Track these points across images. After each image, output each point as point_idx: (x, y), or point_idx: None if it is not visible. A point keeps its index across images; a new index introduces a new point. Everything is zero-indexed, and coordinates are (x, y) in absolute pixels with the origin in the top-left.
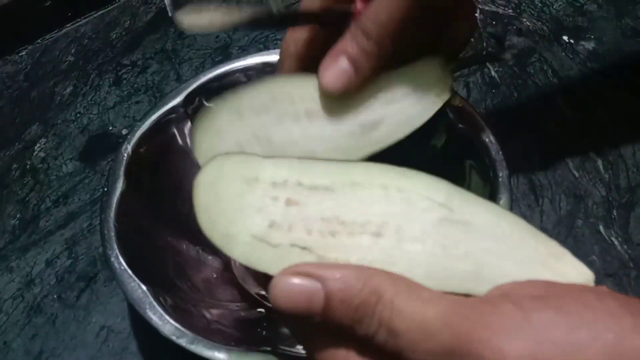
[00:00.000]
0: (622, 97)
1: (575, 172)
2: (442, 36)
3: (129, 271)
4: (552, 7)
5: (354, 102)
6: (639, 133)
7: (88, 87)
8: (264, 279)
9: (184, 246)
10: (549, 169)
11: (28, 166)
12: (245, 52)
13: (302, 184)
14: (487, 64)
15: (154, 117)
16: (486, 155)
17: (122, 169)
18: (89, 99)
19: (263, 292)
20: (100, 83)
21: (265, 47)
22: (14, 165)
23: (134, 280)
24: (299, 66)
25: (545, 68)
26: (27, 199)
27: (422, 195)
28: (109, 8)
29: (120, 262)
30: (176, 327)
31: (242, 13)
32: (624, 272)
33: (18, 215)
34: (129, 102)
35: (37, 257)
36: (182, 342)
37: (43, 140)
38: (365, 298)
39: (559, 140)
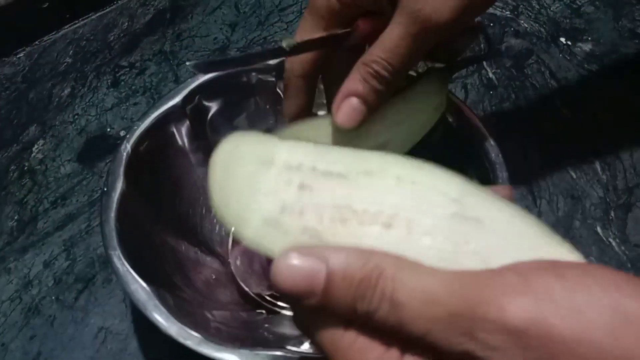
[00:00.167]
0: (620, 99)
1: (572, 173)
2: (442, 48)
3: (133, 272)
4: (550, 9)
5: (363, 131)
6: (637, 134)
7: (86, 89)
8: (265, 278)
9: (183, 247)
10: (546, 170)
11: (26, 167)
12: (243, 53)
13: (317, 169)
14: (485, 65)
15: (152, 116)
16: (486, 158)
17: (122, 168)
18: (87, 100)
19: (263, 293)
20: (98, 84)
21: (263, 48)
22: (12, 167)
23: (137, 282)
24: (306, 84)
25: (542, 70)
26: (25, 200)
27: (436, 189)
28: (107, 10)
29: (124, 263)
30: (183, 329)
31: (255, 53)
32: None
33: (16, 217)
34: (127, 104)
35: (35, 259)
36: (190, 343)
37: (41, 141)
38: (366, 274)
39: (556, 141)
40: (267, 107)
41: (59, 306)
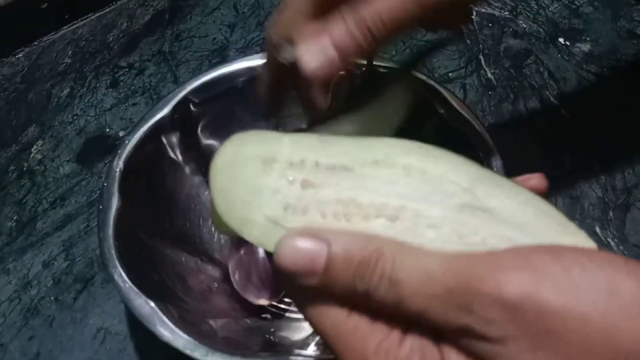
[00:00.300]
0: (618, 99)
1: (571, 173)
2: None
3: (135, 288)
4: (548, 9)
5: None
6: (635, 134)
7: (85, 89)
8: (264, 289)
9: (183, 258)
10: (545, 170)
11: (25, 168)
12: (242, 54)
13: (320, 164)
14: (484, 65)
15: (142, 130)
16: (480, 147)
17: (116, 185)
18: (86, 101)
19: (262, 303)
20: (97, 85)
21: (262, 50)
22: (11, 167)
23: (141, 297)
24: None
25: (541, 70)
26: (24, 200)
27: (447, 178)
28: (106, 10)
29: (125, 280)
30: (189, 341)
31: None
32: None
33: (15, 217)
34: (126, 104)
35: (34, 259)
36: (197, 355)
37: (40, 142)
38: (366, 255)
39: (555, 141)
40: (258, 113)
41: (58, 306)
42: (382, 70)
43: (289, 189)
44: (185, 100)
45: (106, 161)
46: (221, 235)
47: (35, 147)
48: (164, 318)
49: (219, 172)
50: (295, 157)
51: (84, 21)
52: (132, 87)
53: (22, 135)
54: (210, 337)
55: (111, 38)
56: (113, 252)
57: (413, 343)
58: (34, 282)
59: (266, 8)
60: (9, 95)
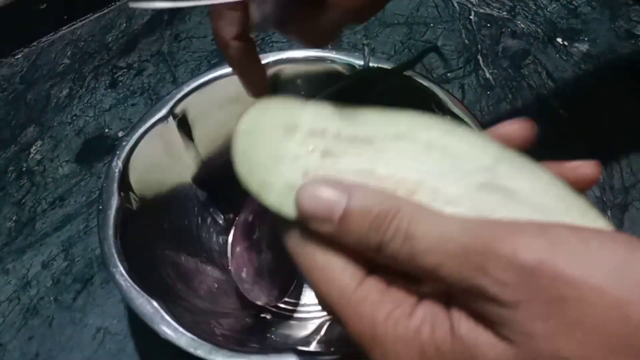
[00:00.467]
0: (616, 99)
1: None
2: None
3: (136, 287)
4: (546, 9)
5: None
6: (633, 134)
7: (84, 90)
8: (275, 288)
9: (183, 258)
10: None
11: (24, 168)
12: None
13: (341, 134)
14: (482, 66)
15: (140, 130)
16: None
17: (115, 185)
18: (85, 101)
19: (264, 303)
20: (96, 85)
21: (261, 50)
22: (10, 168)
23: (143, 296)
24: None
25: (539, 70)
26: (23, 201)
27: (468, 156)
28: (105, 11)
29: (127, 279)
30: (192, 339)
31: None
32: None
33: (14, 218)
34: (125, 105)
35: (34, 259)
36: (200, 353)
37: (39, 142)
38: (384, 209)
39: (553, 141)
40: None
41: (58, 307)
42: (379, 70)
43: (309, 157)
44: (183, 100)
45: (105, 161)
46: (221, 236)
47: (34, 147)
48: (166, 316)
49: (242, 136)
50: (317, 125)
51: (83, 22)
52: (131, 88)
53: (21, 135)
54: (211, 336)
55: (110, 38)
56: (114, 251)
57: (425, 314)
58: (33, 282)
59: None
60: (8, 96)
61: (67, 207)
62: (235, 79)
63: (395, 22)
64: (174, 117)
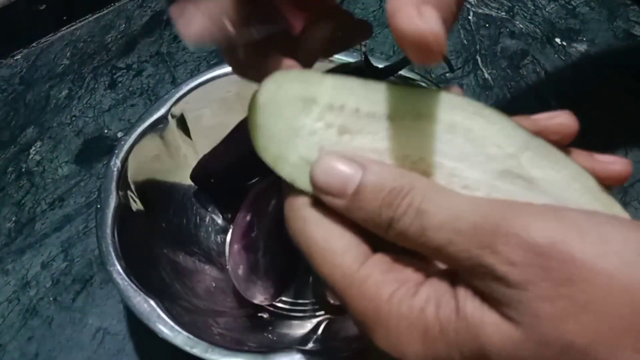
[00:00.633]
0: (615, 99)
1: None
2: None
3: (134, 286)
4: (545, 9)
5: None
6: (632, 133)
7: (83, 90)
8: (271, 285)
9: (181, 257)
10: None
11: (24, 169)
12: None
13: (360, 111)
14: (481, 66)
15: (139, 130)
16: None
17: (114, 184)
18: (84, 102)
19: (262, 302)
20: (96, 86)
21: None
22: (10, 168)
23: (140, 294)
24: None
25: (538, 70)
26: (22, 201)
27: (492, 141)
28: (105, 11)
29: (124, 278)
30: (188, 337)
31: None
32: None
33: (14, 218)
34: (124, 105)
35: (33, 260)
36: (197, 351)
37: (39, 143)
38: (398, 186)
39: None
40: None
41: (57, 307)
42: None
43: (325, 132)
44: (182, 100)
45: (105, 162)
46: (219, 235)
47: (33, 148)
48: (163, 315)
49: (259, 108)
50: (336, 100)
51: (82, 22)
52: (131, 88)
53: (20, 136)
54: (209, 335)
55: (109, 39)
56: (111, 250)
57: (429, 293)
58: (32, 282)
59: None
60: (8, 97)
61: (66, 208)
62: (234, 78)
63: None
64: (173, 116)
